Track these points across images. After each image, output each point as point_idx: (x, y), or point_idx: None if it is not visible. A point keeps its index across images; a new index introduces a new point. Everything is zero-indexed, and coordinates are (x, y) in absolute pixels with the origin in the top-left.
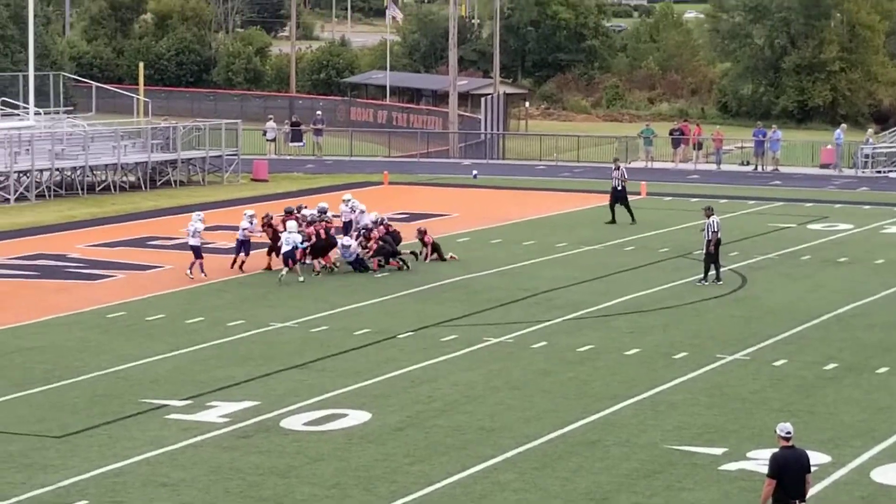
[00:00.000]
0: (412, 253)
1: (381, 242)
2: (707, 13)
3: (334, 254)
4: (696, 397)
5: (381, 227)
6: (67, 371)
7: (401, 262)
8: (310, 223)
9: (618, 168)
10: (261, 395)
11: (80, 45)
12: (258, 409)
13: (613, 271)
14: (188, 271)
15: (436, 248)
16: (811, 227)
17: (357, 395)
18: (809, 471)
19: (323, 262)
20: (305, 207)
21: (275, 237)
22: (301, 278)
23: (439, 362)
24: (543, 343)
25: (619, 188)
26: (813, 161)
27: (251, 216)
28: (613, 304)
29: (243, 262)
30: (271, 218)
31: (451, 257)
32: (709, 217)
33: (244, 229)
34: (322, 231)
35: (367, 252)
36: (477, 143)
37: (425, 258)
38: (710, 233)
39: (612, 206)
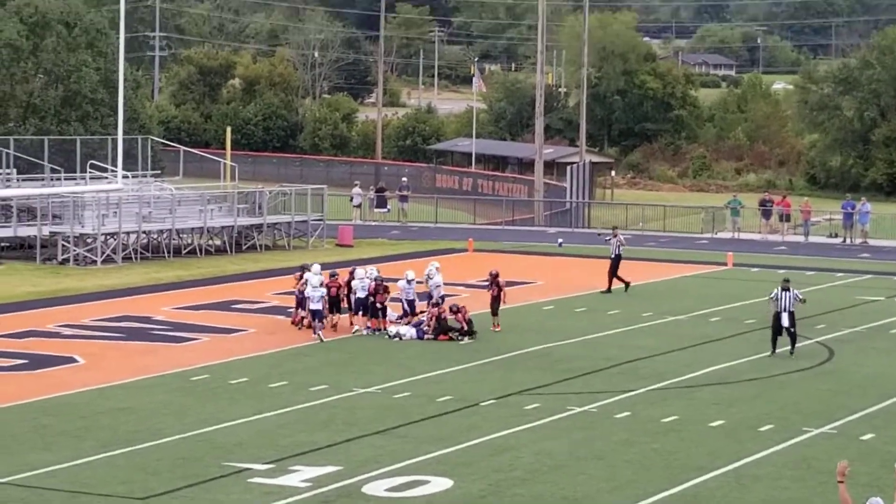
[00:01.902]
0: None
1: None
2: (796, 84)
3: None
4: (782, 471)
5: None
6: (151, 433)
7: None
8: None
9: (615, 235)
10: (343, 461)
11: (169, 109)
12: (340, 474)
13: (699, 342)
14: (315, 334)
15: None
16: None
17: (439, 462)
18: None
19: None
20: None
21: (336, 296)
22: (323, 339)
23: (522, 430)
24: (627, 413)
25: (614, 255)
26: None
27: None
28: (698, 374)
29: (336, 323)
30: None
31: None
32: (784, 291)
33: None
34: (334, 289)
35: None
36: (562, 211)
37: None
38: (791, 303)
39: (609, 275)
